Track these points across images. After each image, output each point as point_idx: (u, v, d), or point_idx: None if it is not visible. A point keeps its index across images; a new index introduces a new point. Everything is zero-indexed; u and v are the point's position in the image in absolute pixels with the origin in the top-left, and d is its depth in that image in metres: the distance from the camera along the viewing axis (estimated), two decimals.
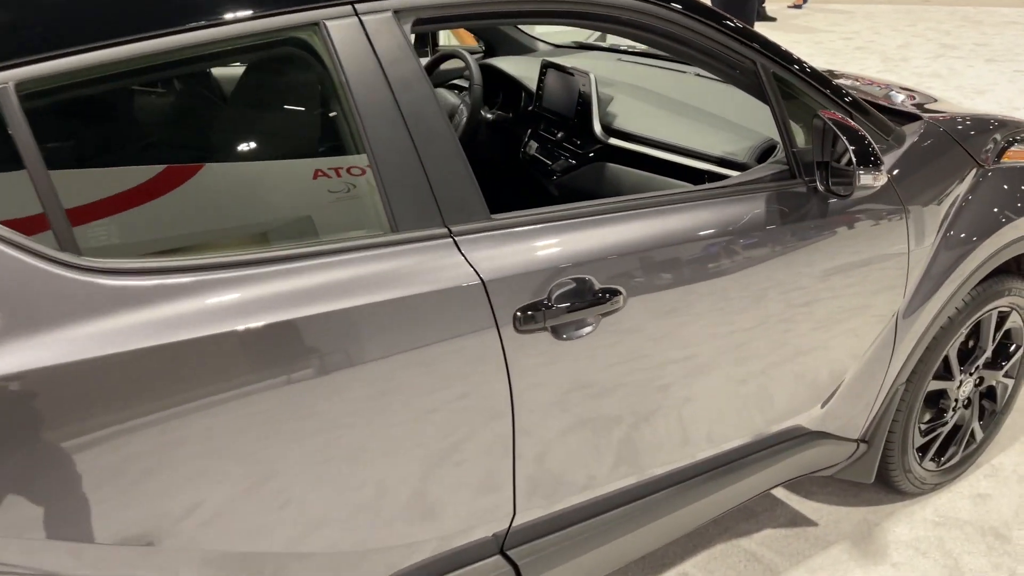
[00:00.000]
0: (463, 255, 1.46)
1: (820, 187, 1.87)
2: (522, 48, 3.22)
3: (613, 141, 2.44)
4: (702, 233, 1.72)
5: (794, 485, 2.66)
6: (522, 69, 2.86)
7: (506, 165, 2.77)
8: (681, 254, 1.68)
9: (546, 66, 2.66)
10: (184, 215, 1.47)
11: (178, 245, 1.44)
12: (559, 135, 2.61)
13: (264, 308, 1.28)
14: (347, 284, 1.35)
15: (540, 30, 3.37)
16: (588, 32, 3.37)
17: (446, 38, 3.87)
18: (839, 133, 1.79)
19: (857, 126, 1.82)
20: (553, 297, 1.53)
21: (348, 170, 1.52)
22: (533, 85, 2.76)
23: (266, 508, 1.35)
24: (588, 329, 1.58)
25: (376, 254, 1.40)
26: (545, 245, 1.55)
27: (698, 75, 2.59)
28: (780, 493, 2.64)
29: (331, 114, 1.54)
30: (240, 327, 1.25)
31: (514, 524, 1.67)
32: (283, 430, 1.32)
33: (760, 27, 9.02)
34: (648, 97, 2.52)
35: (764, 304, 1.83)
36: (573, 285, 1.55)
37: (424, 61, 2.91)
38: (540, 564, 1.72)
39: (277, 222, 1.53)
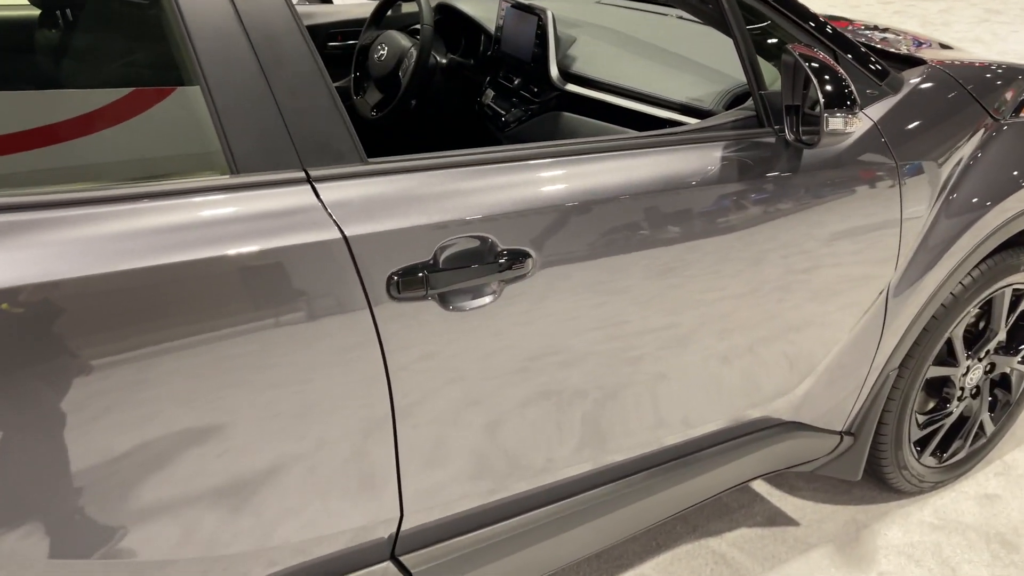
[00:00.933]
0: (322, 203, 1.20)
1: (789, 136, 1.58)
2: None
3: (571, 88, 2.16)
4: (635, 189, 1.44)
5: (777, 479, 2.39)
6: (484, 10, 2.58)
7: (459, 116, 2.50)
8: (607, 212, 1.41)
9: (507, 4, 2.38)
10: None
11: None
12: (516, 82, 2.33)
13: (50, 259, 1.03)
14: (161, 238, 1.10)
15: None
16: None
17: None
18: (808, 71, 1.49)
19: (832, 62, 1.52)
20: (440, 259, 1.27)
21: (175, 97, 1.26)
22: (494, 27, 2.48)
23: (109, 515, 1.12)
24: (487, 299, 1.32)
25: (205, 200, 1.14)
26: (434, 195, 1.28)
27: (680, 18, 2.29)
28: (760, 488, 2.37)
29: (154, 28, 1.28)
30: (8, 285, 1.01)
31: (403, 527, 1.42)
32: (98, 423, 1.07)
33: None
34: (613, 39, 2.23)
35: (717, 277, 1.55)
36: (468, 245, 1.29)
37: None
38: (441, 571, 1.47)
39: (82, 157, 1.28)
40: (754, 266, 1.60)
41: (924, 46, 2.33)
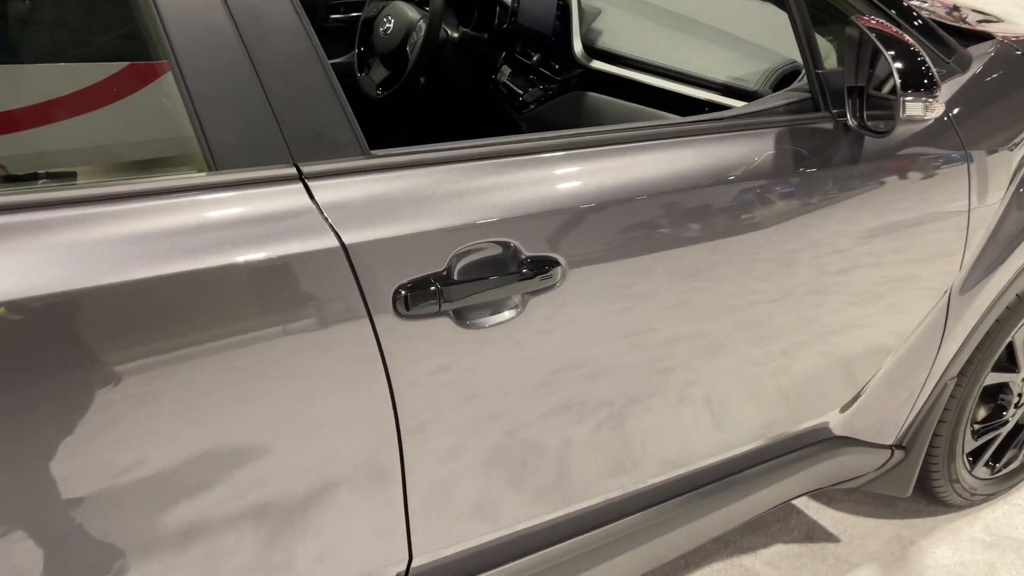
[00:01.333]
0: (316, 205, 1.01)
1: (851, 121, 1.38)
2: None
3: (596, 65, 1.96)
4: (680, 183, 1.25)
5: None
6: None
7: (473, 96, 2.31)
8: (647, 210, 1.22)
9: None
10: None
11: None
12: (535, 58, 2.13)
13: None
14: (123, 250, 0.92)
15: None
16: None
17: None
18: (880, 46, 1.30)
19: (906, 37, 1.33)
20: (456, 270, 1.09)
21: (147, 81, 1.07)
22: None
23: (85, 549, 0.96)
24: (509, 314, 1.14)
25: (176, 203, 0.96)
26: (448, 194, 1.10)
27: None
28: (797, 499, 2.18)
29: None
30: None
31: (412, 568, 1.25)
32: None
33: None
34: (643, 11, 2.03)
35: (771, 278, 1.37)
36: (487, 252, 1.11)
37: None
38: None
39: (35, 153, 1.09)
40: (806, 266, 1.42)
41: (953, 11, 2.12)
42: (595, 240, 1.19)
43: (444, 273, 1.08)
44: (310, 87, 1.03)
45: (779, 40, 1.70)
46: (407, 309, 1.05)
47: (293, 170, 1.02)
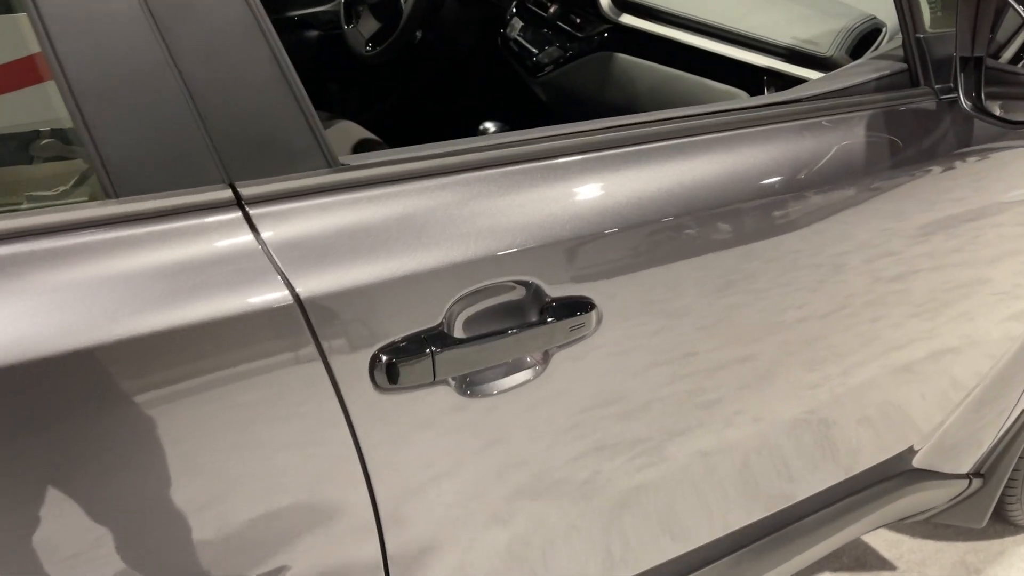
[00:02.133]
0: (260, 241, 0.72)
1: (965, 103, 1.08)
2: None
3: (627, 20, 1.63)
4: (741, 190, 0.96)
5: None
6: None
7: (478, 54, 1.98)
8: (705, 233, 0.93)
9: None
10: None
11: None
12: (552, 9, 1.80)
13: None
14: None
15: None
16: None
17: None
18: (1013, 2, 0.99)
19: None
20: (455, 323, 0.80)
21: (20, 80, 0.77)
22: None
23: None
24: (526, 375, 0.85)
25: (55, 247, 0.67)
26: (445, 218, 0.80)
27: None
28: None
29: None
30: None
31: None
32: None
33: None
34: None
35: (868, 296, 1.11)
36: (500, 297, 0.82)
37: None
38: None
39: None
40: (900, 280, 1.15)
41: None
42: (636, 266, 0.90)
43: (441, 329, 0.79)
44: (249, 73, 0.73)
45: None
46: (390, 382, 0.77)
47: (227, 192, 0.73)
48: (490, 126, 1.67)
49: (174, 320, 0.68)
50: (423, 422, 0.81)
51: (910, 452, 1.44)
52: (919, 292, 1.22)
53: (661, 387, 0.99)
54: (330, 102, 2.32)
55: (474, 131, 1.68)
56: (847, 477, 1.37)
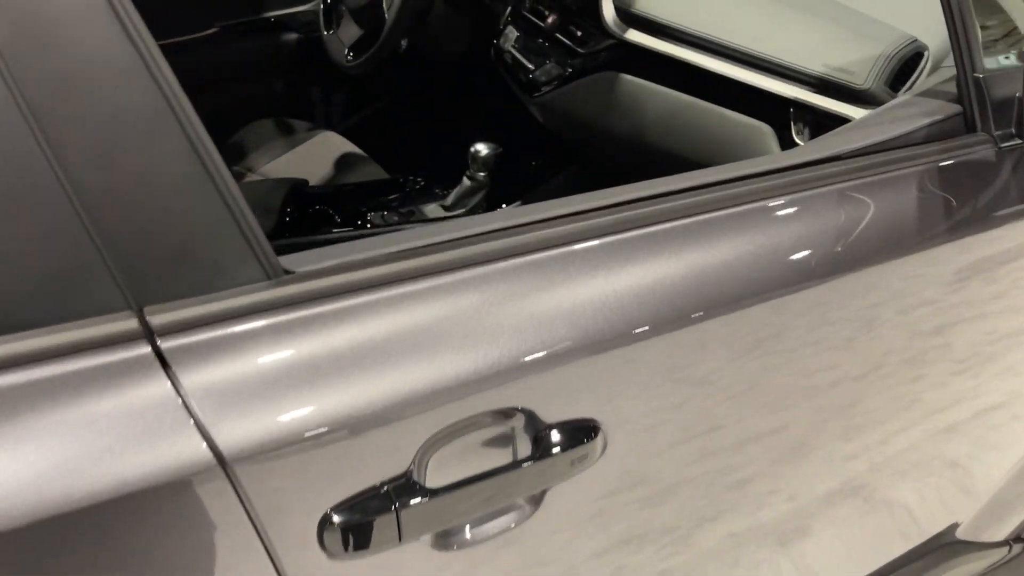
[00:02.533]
0: (174, 384, 0.57)
1: None
2: None
3: (633, 37, 1.45)
4: (781, 282, 0.80)
5: None
6: None
7: (468, 67, 1.81)
8: (730, 338, 0.78)
9: None
10: None
11: None
12: (551, 19, 1.62)
13: None
14: None
15: None
16: None
17: None
18: None
19: None
20: (424, 469, 0.65)
21: None
22: None
23: None
24: (514, 517, 0.70)
25: None
26: (413, 334, 0.65)
27: None
28: None
29: None
30: None
31: None
32: None
33: None
34: None
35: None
36: (483, 432, 0.67)
37: None
38: None
39: None
40: (946, 341, 1.00)
41: None
42: (646, 376, 0.75)
43: (409, 477, 0.64)
44: (160, 172, 0.57)
45: (900, 9, 1.22)
46: (345, 548, 0.62)
47: (133, 322, 0.57)
48: (482, 148, 1.52)
49: (60, 503, 0.52)
50: None
51: (954, 527, 1.30)
52: (960, 346, 1.08)
53: (688, 467, 0.85)
54: (311, 109, 2.16)
55: (464, 152, 1.53)
56: (888, 561, 1.24)
